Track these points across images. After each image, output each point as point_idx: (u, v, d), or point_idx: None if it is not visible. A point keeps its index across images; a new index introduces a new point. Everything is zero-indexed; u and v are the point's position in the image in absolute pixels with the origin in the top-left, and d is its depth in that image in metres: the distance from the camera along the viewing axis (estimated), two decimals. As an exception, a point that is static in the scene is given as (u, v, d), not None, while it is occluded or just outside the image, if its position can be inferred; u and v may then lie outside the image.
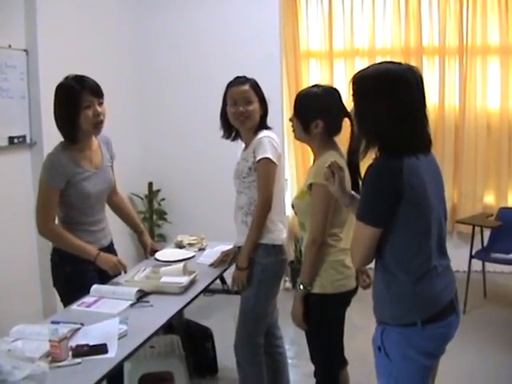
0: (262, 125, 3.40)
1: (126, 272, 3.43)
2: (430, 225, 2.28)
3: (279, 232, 3.41)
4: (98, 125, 3.28)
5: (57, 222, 3.40)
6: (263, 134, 3.31)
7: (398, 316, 2.32)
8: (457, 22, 6.45)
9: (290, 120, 3.10)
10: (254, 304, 3.40)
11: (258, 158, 3.25)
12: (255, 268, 3.40)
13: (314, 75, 6.86)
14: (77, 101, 3.18)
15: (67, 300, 3.24)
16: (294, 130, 3.10)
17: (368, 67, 2.36)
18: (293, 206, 3.15)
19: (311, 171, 3.01)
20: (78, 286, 3.24)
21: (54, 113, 3.30)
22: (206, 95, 6.37)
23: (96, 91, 3.25)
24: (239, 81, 3.41)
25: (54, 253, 3.43)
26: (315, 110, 2.97)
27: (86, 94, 3.19)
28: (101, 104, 3.27)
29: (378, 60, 6.58)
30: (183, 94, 6.47)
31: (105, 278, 3.41)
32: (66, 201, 3.31)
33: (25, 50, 4.78)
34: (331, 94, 3.03)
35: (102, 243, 3.48)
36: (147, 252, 3.86)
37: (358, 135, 2.36)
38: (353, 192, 2.69)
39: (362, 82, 2.30)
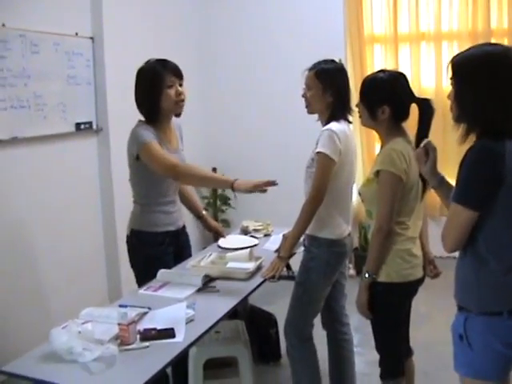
0: (333, 115, 3.32)
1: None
2: None
3: (337, 227, 3.36)
4: (179, 103, 3.40)
5: (136, 200, 3.50)
6: (329, 126, 3.24)
7: (484, 304, 2.25)
8: (527, 3, 6.25)
9: (357, 106, 3.05)
10: (302, 291, 3.38)
11: (316, 151, 3.22)
12: (306, 255, 3.39)
13: (378, 60, 6.75)
14: (160, 80, 3.32)
15: (143, 282, 3.28)
16: (360, 116, 3.05)
17: (467, 50, 2.31)
18: (359, 194, 3.11)
19: (378, 158, 2.94)
20: (156, 269, 3.29)
21: (136, 95, 3.40)
22: (268, 82, 6.38)
23: (178, 72, 3.40)
24: (311, 66, 3.37)
25: (131, 235, 3.50)
26: (381, 96, 2.91)
27: (168, 75, 3.34)
28: (181, 85, 3.41)
29: (445, 44, 6.47)
30: (247, 81, 6.50)
31: (180, 262, 3.51)
32: (145, 180, 3.39)
33: (91, 38, 4.87)
34: (398, 78, 2.96)
35: (178, 224, 3.56)
36: (219, 234, 3.91)
37: (458, 119, 2.30)
38: (443, 174, 2.58)
39: (462, 65, 2.25)
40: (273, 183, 3.22)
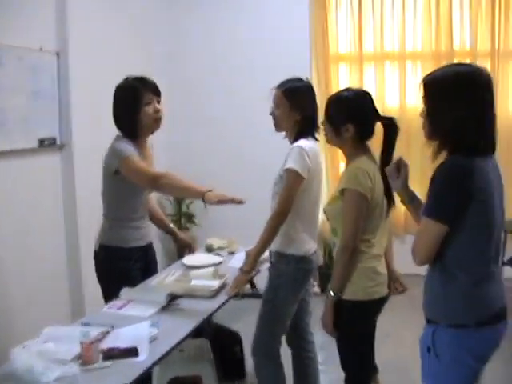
0: (301, 133, 3.33)
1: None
2: (493, 229, 2.29)
3: (304, 244, 3.36)
4: (157, 120, 3.44)
5: (106, 215, 3.48)
6: (298, 143, 3.25)
7: (452, 316, 2.30)
8: (488, 25, 6.37)
9: (322, 124, 3.07)
10: (270, 309, 3.37)
11: (285, 167, 3.22)
12: (273, 273, 3.39)
13: (343, 79, 6.81)
14: (138, 98, 3.35)
15: (110, 298, 3.26)
16: (325, 134, 3.07)
17: (438, 69, 2.38)
18: (324, 212, 3.12)
19: (343, 176, 2.96)
20: (123, 284, 3.28)
21: (114, 112, 3.43)
22: (236, 98, 6.40)
23: (155, 89, 3.45)
24: (279, 84, 3.38)
25: (100, 250, 3.49)
26: (345, 114, 2.93)
27: (147, 92, 3.38)
28: (159, 102, 3.46)
29: (409, 64, 6.56)
30: (214, 97, 6.52)
31: (147, 277, 3.50)
32: (122, 194, 3.39)
33: (56, 53, 4.82)
34: (362, 97, 2.99)
35: (147, 239, 3.57)
36: (189, 247, 3.89)
37: (430, 136, 2.34)
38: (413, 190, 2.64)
39: (434, 84, 2.32)
40: (240, 201, 3.20)
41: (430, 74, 2.37)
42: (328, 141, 3.08)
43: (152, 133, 3.55)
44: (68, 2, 4.84)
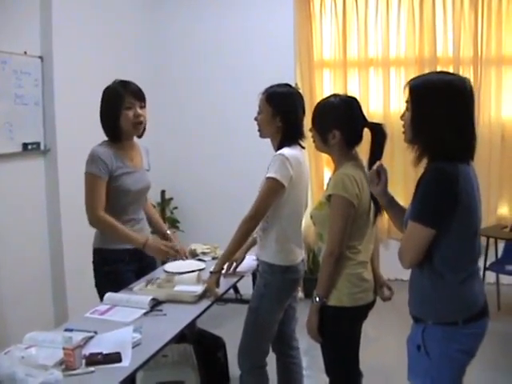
0: (284, 140, 3.33)
1: (185, 257, 3.69)
2: (477, 230, 2.39)
3: (290, 254, 3.36)
4: (137, 125, 3.46)
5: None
6: (281, 151, 3.24)
7: (441, 315, 2.38)
8: (471, 32, 6.44)
9: (310, 131, 3.07)
10: (255, 317, 3.38)
11: (266, 176, 3.23)
12: (260, 281, 3.40)
13: (327, 85, 6.85)
14: (119, 101, 3.40)
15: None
16: (314, 141, 3.07)
17: (425, 75, 2.46)
18: (311, 217, 3.12)
19: (331, 182, 2.96)
20: (116, 286, 3.31)
21: (100, 113, 3.47)
22: (220, 104, 6.40)
23: (138, 94, 3.47)
24: (266, 89, 3.38)
25: (94, 253, 3.52)
26: (331, 121, 2.94)
27: (128, 96, 3.41)
28: (142, 107, 3.48)
29: (392, 70, 6.60)
30: (197, 102, 6.52)
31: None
32: (106, 196, 3.40)
33: (40, 57, 4.81)
34: (350, 103, 2.99)
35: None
36: (181, 255, 3.86)
37: (412, 142, 2.38)
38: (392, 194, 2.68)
39: (424, 90, 2.35)
40: (183, 256, 3.48)
41: (416, 78, 2.41)
42: (316, 147, 3.09)
43: (139, 137, 3.59)
44: (53, 6, 4.82)
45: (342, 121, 2.94)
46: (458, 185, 2.24)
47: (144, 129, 3.53)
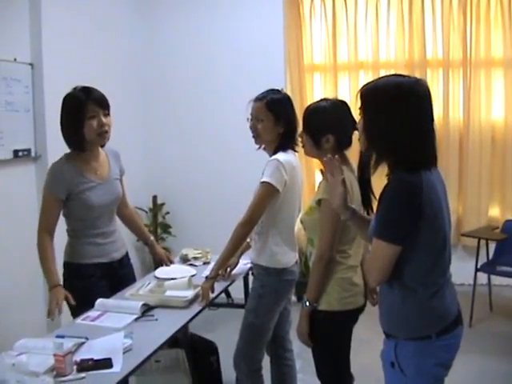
0: (281, 145, 3.33)
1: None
2: (446, 238, 2.27)
3: (284, 256, 3.39)
4: (102, 135, 3.31)
5: (67, 231, 3.46)
6: (276, 156, 3.26)
7: (414, 329, 2.29)
8: (460, 34, 6.46)
9: (300, 136, 3.06)
10: (253, 318, 3.40)
11: (261, 180, 3.24)
12: (255, 283, 3.43)
13: (317, 89, 6.86)
14: (81, 111, 3.23)
15: (76, 315, 3.21)
16: (303, 146, 3.06)
17: (376, 80, 2.32)
18: (301, 222, 3.13)
19: (321, 187, 2.96)
20: (86, 301, 3.21)
21: (61, 122, 3.33)
22: (211, 108, 6.40)
23: (101, 102, 3.30)
24: (259, 96, 3.38)
25: (64, 267, 3.45)
26: (325, 125, 2.93)
27: (91, 105, 3.24)
28: (106, 115, 3.32)
29: (383, 73, 6.59)
30: (189, 108, 6.53)
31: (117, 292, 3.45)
32: (70, 212, 3.35)
33: (30, 64, 4.81)
34: (340, 107, 2.99)
35: (112, 256, 3.49)
36: (165, 261, 3.88)
37: (367, 149, 2.31)
38: (353, 206, 2.61)
39: (373, 94, 2.26)
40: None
41: (366, 84, 2.31)
42: (306, 152, 3.07)
43: (102, 146, 3.47)
44: (43, 13, 4.83)
45: (336, 124, 2.93)
46: (421, 196, 2.13)
47: (108, 138, 3.40)
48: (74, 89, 3.33)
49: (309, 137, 2.98)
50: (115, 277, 3.50)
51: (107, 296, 3.33)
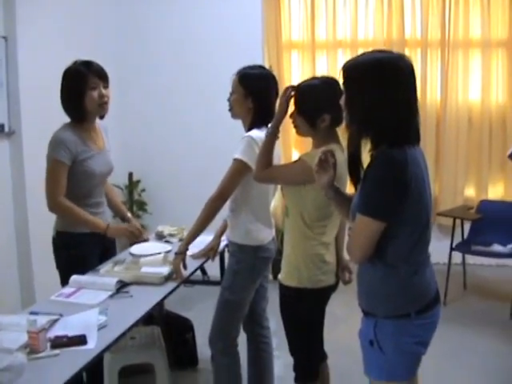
0: (254, 122, 3.31)
1: (146, 239, 3.79)
2: (429, 215, 2.28)
3: (260, 233, 3.38)
4: (102, 105, 3.44)
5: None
6: (249, 133, 3.25)
7: (394, 307, 2.29)
8: (439, 15, 6.44)
9: (290, 117, 2.96)
10: (228, 295, 3.39)
11: (233, 157, 3.23)
12: (231, 260, 3.42)
13: (295, 66, 6.81)
14: (83, 82, 3.35)
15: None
16: (295, 126, 2.97)
17: (360, 55, 2.30)
18: (281, 189, 3.12)
19: (309, 152, 2.93)
20: (81, 269, 3.30)
21: (61, 95, 3.42)
22: (186, 83, 6.35)
23: (102, 74, 3.43)
24: (238, 70, 3.36)
25: (56, 236, 3.49)
26: (321, 105, 2.85)
27: (92, 77, 3.37)
28: (105, 87, 3.45)
29: (361, 52, 6.57)
30: (164, 84, 6.46)
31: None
32: (71, 180, 3.37)
33: (4, 37, 4.72)
34: (332, 85, 2.87)
35: None
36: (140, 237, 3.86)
37: (348, 126, 2.30)
38: (336, 184, 2.57)
39: (357, 70, 2.23)
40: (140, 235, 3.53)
41: (349, 60, 2.30)
42: (298, 132, 3.00)
43: (101, 118, 3.56)
44: (16, -15, 4.74)
45: (331, 103, 2.76)
46: (407, 172, 2.13)
47: (107, 109, 3.50)
48: (74, 63, 3.42)
49: (303, 118, 2.90)
50: (104, 246, 3.58)
51: (99, 264, 3.45)
